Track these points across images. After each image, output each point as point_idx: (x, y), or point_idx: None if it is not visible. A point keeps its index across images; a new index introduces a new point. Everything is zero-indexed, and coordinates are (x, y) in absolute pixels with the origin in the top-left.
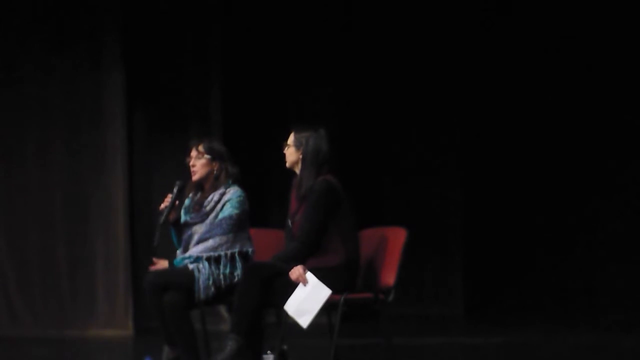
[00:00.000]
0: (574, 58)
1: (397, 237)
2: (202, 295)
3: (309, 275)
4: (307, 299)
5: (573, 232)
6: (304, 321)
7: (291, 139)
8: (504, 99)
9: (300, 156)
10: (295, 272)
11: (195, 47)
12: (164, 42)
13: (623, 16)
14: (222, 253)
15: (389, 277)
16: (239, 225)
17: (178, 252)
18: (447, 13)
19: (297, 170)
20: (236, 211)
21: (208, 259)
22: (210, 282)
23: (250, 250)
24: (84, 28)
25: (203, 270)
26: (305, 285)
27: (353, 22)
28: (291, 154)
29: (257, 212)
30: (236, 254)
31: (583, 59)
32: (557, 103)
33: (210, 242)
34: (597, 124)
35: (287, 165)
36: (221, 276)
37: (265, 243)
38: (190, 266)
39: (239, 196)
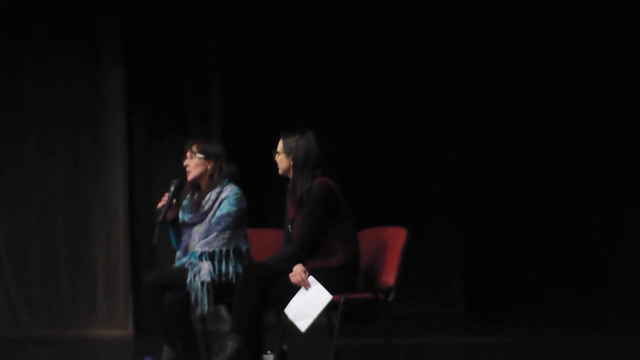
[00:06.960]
0: (573, 59)
1: (397, 237)
2: (198, 302)
3: (311, 279)
4: (308, 303)
5: (573, 233)
6: (303, 325)
7: (280, 145)
8: (503, 99)
9: (291, 162)
10: (296, 275)
11: (195, 47)
12: (164, 42)
13: (619, 17)
14: (217, 249)
15: (389, 277)
16: (236, 223)
17: (178, 252)
18: (448, 12)
19: (290, 175)
20: (233, 208)
21: (201, 255)
22: (205, 289)
23: (244, 248)
24: (84, 28)
25: (202, 274)
26: (307, 289)
27: (353, 21)
28: (282, 160)
29: (256, 212)
30: (230, 251)
31: (582, 60)
32: (556, 103)
33: (206, 239)
34: (597, 125)
35: (280, 172)
36: (216, 272)
37: (264, 243)
38: (189, 275)
39: (236, 193)
